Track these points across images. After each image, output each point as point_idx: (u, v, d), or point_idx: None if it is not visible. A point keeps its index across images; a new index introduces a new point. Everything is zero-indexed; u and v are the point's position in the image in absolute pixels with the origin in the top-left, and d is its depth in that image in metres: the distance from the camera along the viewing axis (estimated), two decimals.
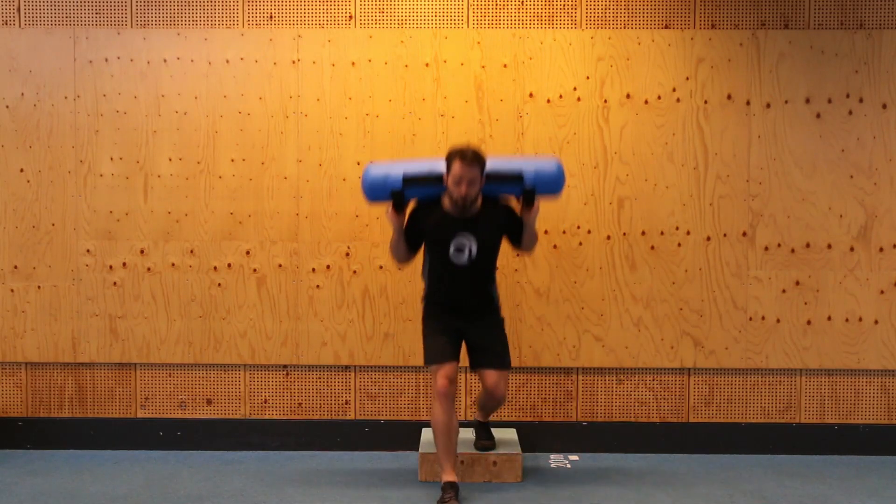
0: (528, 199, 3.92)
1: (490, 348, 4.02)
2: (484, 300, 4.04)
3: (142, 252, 4.64)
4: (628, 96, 4.60)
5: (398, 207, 3.93)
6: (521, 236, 4.01)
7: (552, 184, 3.98)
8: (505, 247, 4.19)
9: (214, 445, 4.70)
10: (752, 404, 4.69)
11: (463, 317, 4.01)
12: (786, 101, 4.59)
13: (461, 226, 3.91)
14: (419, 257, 4.11)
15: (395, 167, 3.97)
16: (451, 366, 3.91)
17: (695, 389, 4.69)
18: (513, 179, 3.93)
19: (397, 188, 3.90)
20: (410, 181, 3.91)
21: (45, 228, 4.64)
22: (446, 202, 3.94)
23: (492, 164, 3.94)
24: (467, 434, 4.39)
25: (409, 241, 4.01)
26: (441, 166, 3.90)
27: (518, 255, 4.57)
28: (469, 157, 3.80)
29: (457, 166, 3.80)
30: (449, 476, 3.89)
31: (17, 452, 4.66)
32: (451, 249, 3.91)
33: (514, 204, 4.03)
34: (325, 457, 4.61)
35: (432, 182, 3.92)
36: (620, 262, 4.64)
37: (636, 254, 4.63)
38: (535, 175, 3.93)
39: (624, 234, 4.63)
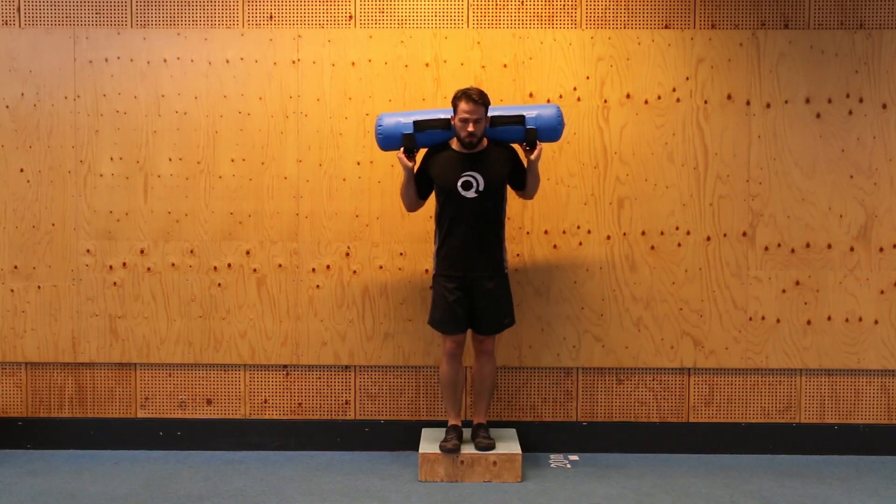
0: (531, 140, 4.13)
1: (489, 314, 4.24)
2: (492, 251, 4.21)
3: (142, 252, 4.64)
4: (628, 96, 4.60)
5: (409, 151, 4.17)
6: (524, 179, 4.23)
7: (552, 128, 4.17)
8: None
9: (214, 445, 4.70)
10: (752, 404, 4.69)
11: (472, 271, 4.19)
12: (786, 101, 4.59)
13: (468, 163, 4.16)
14: (428, 207, 4.27)
15: (406, 115, 4.23)
16: (459, 335, 4.26)
17: (695, 389, 4.69)
18: (515, 121, 4.15)
19: (408, 132, 4.15)
20: (420, 125, 4.16)
21: (45, 228, 4.64)
22: (454, 143, 4.21)
23: (494, 109, 4.21)
24: (466, 435, 4.39)
25: (419, 185, 4.25)
26: (449, 113, 4.17)
27: (518, 253, 4.57)
28: (474, 96, 4.05)
29: (463, 104, 4.06)
30: (453, 420, 4.35)
31: (17, 452, 4.66)
32: (459, 184, 4.14)
33: (518, 148, 4.25)
34: (325, 457, 4.61)
35: (441, 125, 4.18)
36: (620, 262, 4.64)
37: (636, 254, 4.63)
38: (536, 118, 4.16)
39: (624, 234, 4.63)
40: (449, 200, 4.18)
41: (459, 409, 4.39)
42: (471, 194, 4.14)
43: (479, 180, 4.14)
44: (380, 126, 4.19)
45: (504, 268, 4.27)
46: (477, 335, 4.30)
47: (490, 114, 4.15)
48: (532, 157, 4.13)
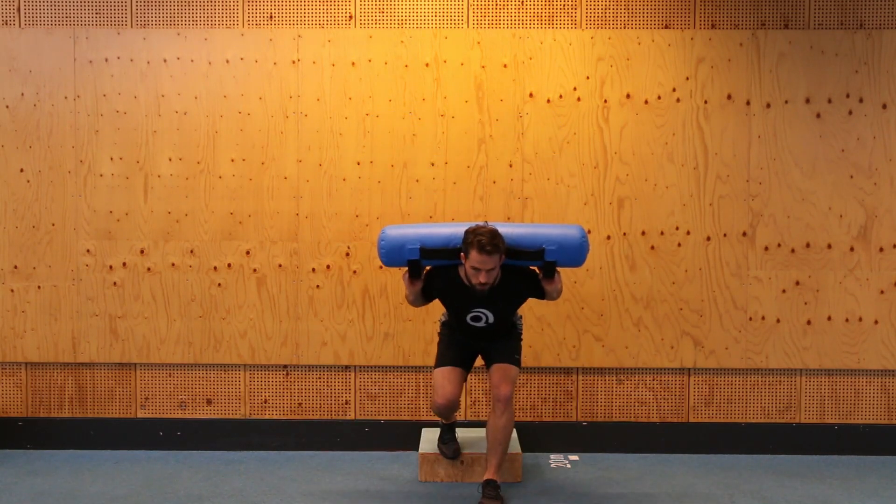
0: (549, 272, 3.82)
1: (500, 346, 4.01)
2: (504, 332, 4.06)
3: (142, 252, 4.64)
4: (628, 96, 4.60)
5: (414, 276, 3.86)
6: (543, 296, 3.95)
7: (575, 257, 3.84)
8: None
9: (214, 445, 4.70)
10: (752, 404, 4.69)
11: (481, 340, 4.06)
12: (786, 101, 4.59)
13: (479, 300, 3.85)
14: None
15: (412, 233, 3.86)
16: (455, 384, 3.96)
17: (695, 389, 4.69)
18: (533, 257, 3.80)
19: (414, 258, 3.81)
20: (427, 253, 3.82)
21: (45, 228, 4.64)
22: (463, 275, 3.85)
23: (510, 234, 3.79)
24: (472, 433, 4.38)
25: (426, 296, 3.98)
26: (459, 235, 3.77)
27: None
28: (489, 248, 3.61)
29: (475, 256, 3.64)
30: (445, 419, 4.23)
31: (17, 452, 4.66)
32: (468, 318, 3.93)
33: (535, 268, 3.94)
34: (325, 457, 4.61)
35: (449, 257, 3.82)
36: (620, 262, 4.64)
37: (636, 254, 4.63)
38: (558, 247, 3.78)
39: (624, 234, 4.63)
40: (456, 320, 3.98)
41: (454, 415, 4.25)
42: (480, 325, 3.93)
43: (489, 317, 3.90)
44: (382, 241, 3.85)
45: (517, 326, 4.10)
46: (493, 374, 3.94)
47: (507, 244, 3.74)
48: (551, 285, 3.84)
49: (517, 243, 3.80)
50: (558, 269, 3.85)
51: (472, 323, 3.94)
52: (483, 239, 3.62)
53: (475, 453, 4.21)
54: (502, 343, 4.03)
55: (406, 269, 3.89)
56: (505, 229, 3.79)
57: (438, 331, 4.20)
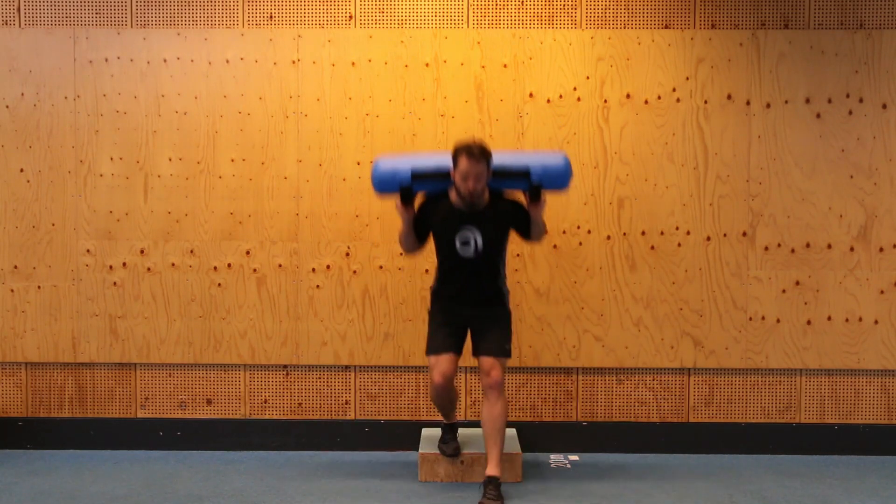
0: (535, 194, 3.92)
1: (490, 333, 4.01)
2: (492, 295, 4.05)
3: (142, 252, 4.64)
4: (628, 96, 4.60)
5: (406, 202, 3.95)
6: (528, 229, 4.02)
7: (559, 179, 3.98)
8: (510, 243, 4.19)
9: (214, 445, 4.70)
10: (752, 404, 4.69)
11: (469, 305, 4.04)
12: (786, 101, 4.59)
13: (467, 219, 3.94)
14: (428, 249, 4.12)
15: (404, 161, 4.01)
16: (449, 362, 3.98)
17: (695, 389, 4.69)
18: (519, 175, 3.93)
19: (406, 183, 3.93)
20: (418, 177, 3.95)
21: (45, 228, 4.64)
22: (453, 196, 3.97)
23: (498, 159, 3.94)
24: (473, 433, 4.39)
25: (417, 232, 4.05)
26: (448, 161, 3.93)
27: (518, 253, 4.58)
28: (476, 152, 3.81)
29: (463, 162, 3.81)
30: (448, 419, 4.28)
31: (17, 452, 4.66)
32: (458, 243, 3.95)
33: (521, 198, 4.02)
34: (325, 457, 4.61)
35: (440, 178, 3.96)
36: (620, 262, 4.64)
37: (636, 254, 4.63)
38: (543, 171, 3.92)
39: (624, 234, 4.63)
40: (446, 253, 4.00)
41: (454, 413, 4.28)
42: (469, 253, 3.94)
43: (477, 239, 3.93)
44: (376, 171, 3.98)
45: (504, 300, 4.09)
46: (483, 364, 3.97)
47: (493, 163, 3.88)
48: (536, 210, 3.92)
49: (504, 165, 3.95)
50: (543, 199, 3.91)
51: (461, 251, 3.94)
52: (472, 146, 3.83)
53: (475, 453, 4.20)
54: (492, 327, 4.01)
55: (399, 197, 3.95)
56: (493, 156, 3.92)
57: (429, 308, 4.14)
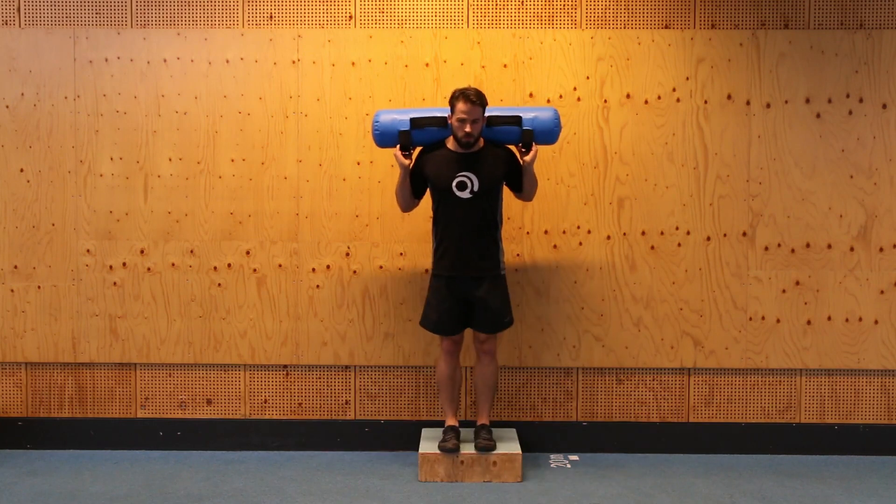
0: (527, 141, 4.13)
1: (488, 308, 4.19)
2: (489, 251, 4.18)
3: (142, 252, 4.64)
4: (628, 96, 4.60)
5: (405, 147, 4.16)
6: (521, 181, 4.22)
7: (549, 131, 4.17)
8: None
9: (214, 445, 4.70)
10: (752, 404, 4.69)
11: (468, 272, 4.17)
12: (786, 101, 4.59)
13: (464, 163, 4.14)
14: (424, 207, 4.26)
15: (402, 112, 4.23)
16: (454, 335, 4.27)
17: (695, 389, 4.69)
18: (512, 122, 4.15)
19: (405, 128, 4.15)
20: (417, 122, 4.16)
21: (45, 228, 4.64)
22: (450, 142, 4.20)
23: (492, 110, 4.20)
24: (468, 436, 4.38)
25: (414, 184, 4.23)
26: (446, 112, 4.17)
27: (518, 253, 4.58)
28: (472, 96, 4.03)
29: (460, 104, 4.03)
30: (450, 421, 4.33)
31: (17, 452, 4.66)
32: (454, 185, 4.13)
33: (515, 150, 4.23)
34: (325, 457, 4.61)
35: (437, 123, 4.18)
36: (620, 262, 4.64)
37: (636, 254, 4.63)
38: (533, 119, 4.16)
39: (624, 234, 4.63)
40: (444, 200, 4.17)
41: (457, 409, 4.40)
42: (465, 195, 4.13)
43: (473, 181, 4.12)
44: (377, 122, 4.19)
45: (501, 268, 4.25)
46: (477, 335, 4.28)
47: (487, 114, 4.14)
48: (528, 158, 4.13)
49: (497, 114, 4.20)
50: (534, 150, 4.10)
51: (458, 193, 4.12)
52: (468, 90, 4.06)
53: (475, 453, 4.20)
54: (490, 305, 4.18)
55: (398, 146, 4.14)
56: (488, 111, 4.18)
57: (430, 276, 4.31)
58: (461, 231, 4.15)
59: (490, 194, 4.17)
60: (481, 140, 4.19)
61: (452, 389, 4.35)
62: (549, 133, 4.18)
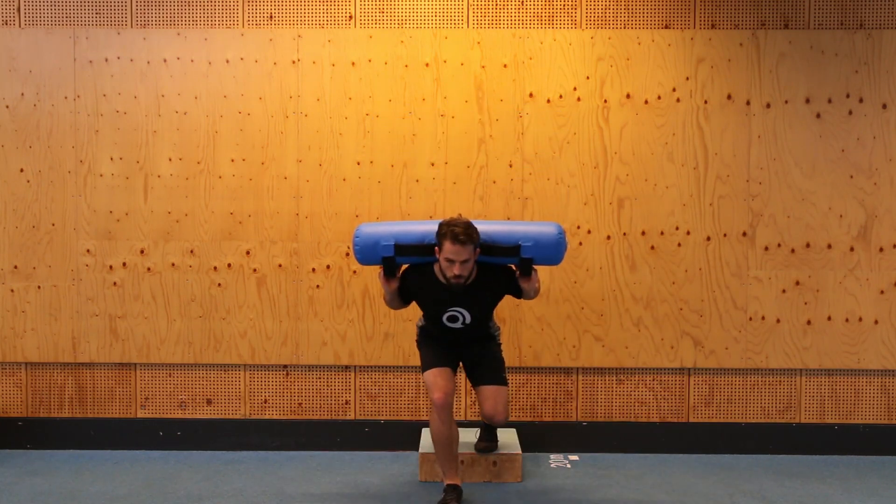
0: (525, 269, 3.79)
1: (485, 364, 3.99)
2: (482, 337, 4.05)
3: (142, 252, 4.64)
4: (628, 96, 4.60)
5: (389, 274, 3.84)
6: (521, 294, 3.92)
7: (552, 254, 3.81)
8: None
9: (214, 445, 4.70)
10: (752, 404, 4.69)
11: (459, 346, 4.02)
12: (786, 101, 4.59)
13: (454, 299, 3.82)
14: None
15: (386, 231, 3.85)
16: (447, 378, 3.88)
17: (695, 389, 4.69)
18: (508, 252, 3.77)
19: (388, 255, 3.79)
20: (402, 250, 3.80)
21: (45, 228, 4.64)
22: (438, 272, 3.82)
23: (487, 232, 3.78)
24: (468, 436, 4.38)
25: (403, 297, 3.96)
26: (434, 232, 3.74)
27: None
28: (462, 238, 3.60)
29: (448, 247, 3.62)
30: (451, 480, 3.88)
31: (17, 452, 4.65)
32: (444, 318, 3.89)
33: (513, 268, 3.90)
34: (325, 457, 4.61)
35: (424, 253, 3.80)
36: (620, 262, 4.64)
37: (636, 254, 4.63)
38: (534, 245, 3.75)
39: (624, 234, 4.63)
40: (432, 320, 3.93)
41: (457, 467, 3.91)
42: (457, 326, 3.88)
43: (465, 315, 3.85)
44: (357, 238, 3.84)
45: (494, 337, 4.08)
46: (485, 399, 3.92)
47: (482, 236, 3.72)
48: (527, 283, 3.79)
49: (493, 239, 3.77)
50: (535, 268, 3.82)
51: (448, 324, 3.88)
52: (457, 229, 3.61)
53: (475, 454, 4.20)
54: (486, 358, 4.00)
55: (381, 269, 3.87)
56: (481, 226, 3.76)
57: (416, 338, 4.12)
58: (451, 341, 3.97)
59: (482, 321, 3.95)
60: (474, 272, 3.78)
61: (450, 449, 3.84)
62: (552, 255, 3.80)
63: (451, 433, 3.83)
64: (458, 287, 3.73)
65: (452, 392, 3.87)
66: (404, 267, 3.94)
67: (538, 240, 3.76)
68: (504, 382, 3.99)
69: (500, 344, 4.12)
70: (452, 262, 3.64)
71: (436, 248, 3.72)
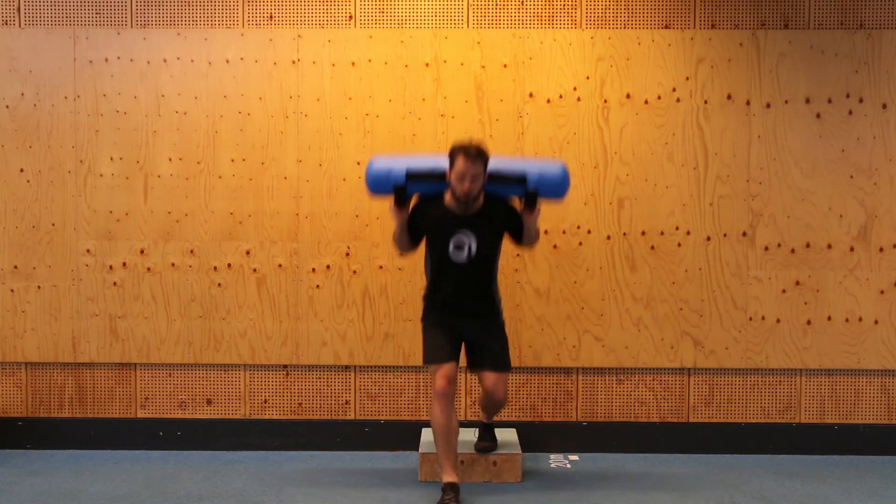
0: (531, 201, 3.89)
1: (488, 349, 4.01)
2: (484, 302, 4.02)
3: (142, 252, 4.64)
4: (628, 96, 4.60)
5: (400, 202, 3.91)
6: (521, 234, 4.00)
7: (556, 188, 3.93)
8: (506, 246, 4.18)
9: (214, 445, 4.70)
10: (752, 404, 4.69)
11: (463, 316, 4.00)
12: (786, 101, 4.59)
13: (462, 223, 3.90)
14: (421, 249, 4.09)
15: (399, 161, 3.97)
16: (450, 366, 3.91)
17: (695, 389, 4.69)
18: (516, 181, 3.90)
19: (400, 183, 3.89)
20: (413, 177, 3.90)
21: (45, 228, 4.64)
22: (448, 198, 3.94)
23: (495, 163, 3.92)
24: (468, 435, 4.38)
25: (411, 234, 4.01)
26: (444, 163, 3.89)
27: (518, 253, 4.58)
28: (473, 153, 3.79)
29: (460, 162, 3.79)
30: (449, 477, 3.87)
31: (17, 452, 4.66)
32: (451, 247, 3.91)
33: (516, 203, 4.01)
34: (325, 457, 4.61)
35: (435, 178, 3.91)
36: (620, 262, 4.64)
37: (636, 254, 4.63)
38: (539, 178, 3.88)
39: (624, 234, 4.63)
40: (439, 257, 3.95)
41: (455, 462, 3.94)
42: (462, 258, 3.90)
43: (472, 244, 3.89)
44: (370, 170, 3.95)
45: (498, 314, 4.07)
46: (485, 380, 3.97)
47: (490, 167, 3.87)
48: (531, 218, 3.90)
49: (501, 170, 3.92)
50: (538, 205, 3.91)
51: (454, 257, 3.90)
52: (469, 146, 3.81)
53: (475, 454, 4.20)
54: (489, 341, 4.00)
55: (393, 199, 3.93)
56: (491, 161, 3.90)
57: (422, 315, 4.09)
58: (455, 287, 3.95)
59: (488, 258, 3.97)
60: (481, 198, 3.93)
61: (450, 441, 3.87)
62: (556, 189, 3.92)
63: (451, 424, 3.86)
64: (467, 201, 3.83)
65: (455, 379, 3.92)
66: (415, 200, 4.01)
67: (544, 173, 3.90)
68: (507, 368, 4.02)
69: (503, 322, 4.09)
70: (463, 178, 3.78)
71: (447, 171, 3.85)
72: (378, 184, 3.93)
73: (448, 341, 3.96)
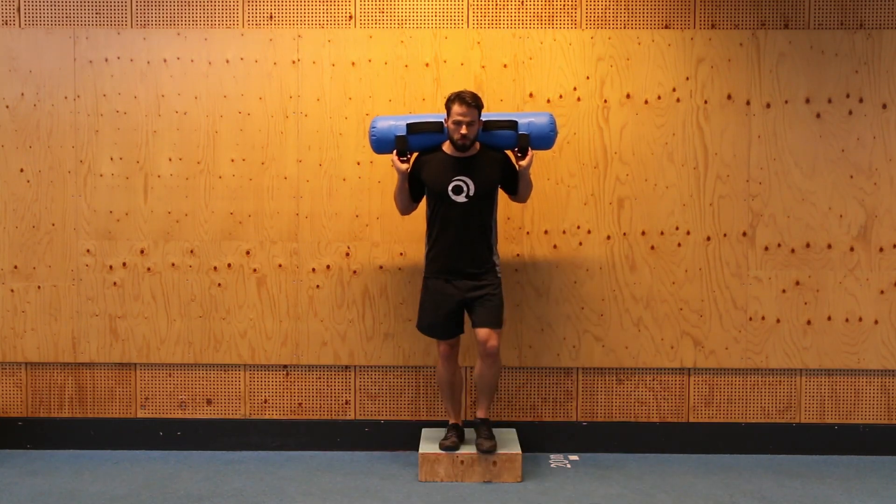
0: (523, 145, 4.14)
1: (485, 306, 4.18)
2: (483, 253, 4.20)
3: (142, 252, 4.65)
4: (628, 96, 4.60)
5: (402, 153, 4.17)
6: (516, 185, 4.23)
7: (544, 136, 4.17)
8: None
9: (214, 445, 4.70)
10: (752, 404, 4.69)
11: (461, 276, 4.18)
12: (786, 101, 4.59)
13: (460, 167, 4.15)
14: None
15: (399, 119, 4.24)
16: (449, 342, 4.29)
17: (695, 389, 4.69)
18: (507, 126, 4.16)
19: (401, 134, 4.17)
20: (413, 127, 4.18)
21: (45, 228, 4.64)
22: (446, 146, 4.21)
23: (488, 115, 4.23)
24: (468, 434, 4.38)
25: (412, 189, 4.24)
26: (442, 118, 4.17)
27: (518, 253, 4.58)
28: (468, 98, 4.06)
29: (456, 107, 4.07)
30: (453, 419, 4.39)
31: (17, 452, 4.66)
32: (450, 188, 4.13)
33: (510, 155, 4.24)
34: (325, 457, 4.61)
35: (434, 128, 4.19)
36: (620, 262, 4.64)
37: (636, 254, 4.63)
38: (529, 125, 4.16)
39: (624, 234, 4.63)
40: (439, 204, 4.18)
41: (460, 410, 4.42)
42: (461, 199, 4.14)
43: (469, 185, 4.13)
44: (373, 128, 4.21)
45: (496, 271, 4.24)
46: (479, 332, 4.16)
47: (483, 118, 4.16)
48: (523, 163, 4.13)
49: (493, 118, 4.22)
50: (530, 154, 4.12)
51: (454, 196, 4.12)
52: (464, 93, 4.09)
53: (475, 453, 4.20)
54: (487, 303, 4.17)
55: (395, 152, 4.16)
56: (484, 115, 4.21)
57: (424, 277, 4.29)
58: (455, 234, 4.16)
59: (485, 198, 4.18)
60: (477, 144, 4.20)
61: (454, 393, 4.37)
62: (544, 138, 4.18)
63: (454, 379, 4.35)
64: (465, 144, 4.10)
65: (457, 344, 4.33)
66: (415, 156, 4.26)
67: (533, 120, 4.19)
68: (499, 325, 4.22)
69: (500, 282, 4.26)
70: (460, 124, 4.07)
71: (444, 120, 4.14)
72: (381, 141, 4.20)
73: (446, 318, 4.22)
